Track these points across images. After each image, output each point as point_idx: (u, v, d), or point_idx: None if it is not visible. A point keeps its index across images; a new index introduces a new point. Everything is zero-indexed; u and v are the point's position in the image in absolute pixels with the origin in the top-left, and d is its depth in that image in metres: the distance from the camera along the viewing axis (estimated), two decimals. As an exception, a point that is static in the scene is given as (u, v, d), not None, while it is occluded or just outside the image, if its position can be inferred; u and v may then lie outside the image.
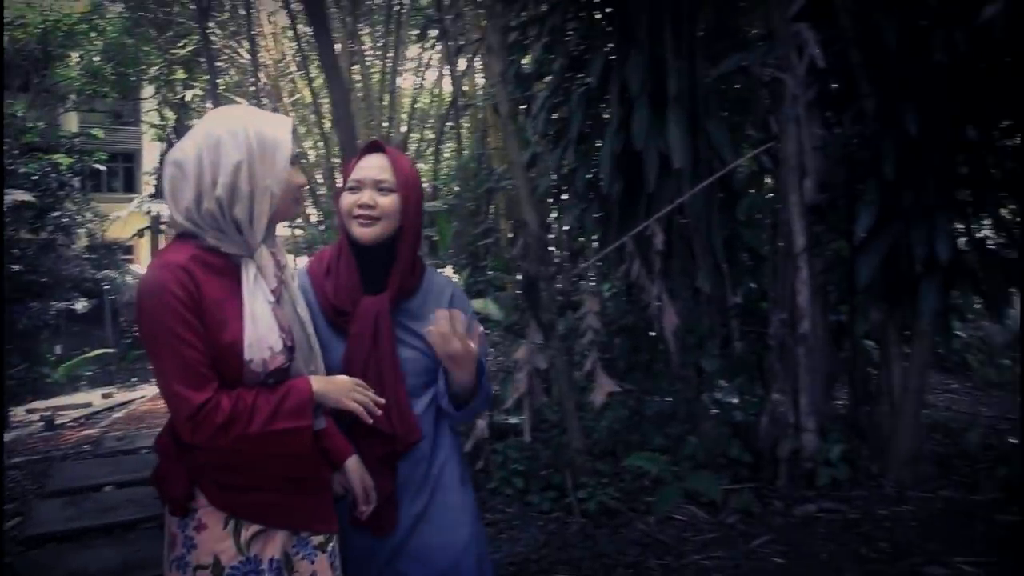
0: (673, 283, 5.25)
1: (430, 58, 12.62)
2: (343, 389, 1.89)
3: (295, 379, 1.83)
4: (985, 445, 5.41)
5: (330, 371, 1.97)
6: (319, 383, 1.85)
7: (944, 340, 5.16)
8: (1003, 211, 4.72)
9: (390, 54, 12.05)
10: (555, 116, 5.88)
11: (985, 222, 4.83)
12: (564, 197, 6.29)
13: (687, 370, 5.32)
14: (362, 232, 2.04)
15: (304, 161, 12.86)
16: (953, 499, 4.49)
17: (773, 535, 4.23)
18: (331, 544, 1.92)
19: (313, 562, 1.88)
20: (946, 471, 5.01)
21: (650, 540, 4.30)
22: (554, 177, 5.86)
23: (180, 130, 18.11)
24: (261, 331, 1.75)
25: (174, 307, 1.67)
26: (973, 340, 9.77)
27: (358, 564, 2.05)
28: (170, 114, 18.52)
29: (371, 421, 1.92)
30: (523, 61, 6.20)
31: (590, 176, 5.27)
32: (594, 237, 5.78)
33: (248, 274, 1.78)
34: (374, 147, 2.12)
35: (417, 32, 9.26)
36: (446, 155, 13.42)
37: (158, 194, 19.70)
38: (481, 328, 2.11)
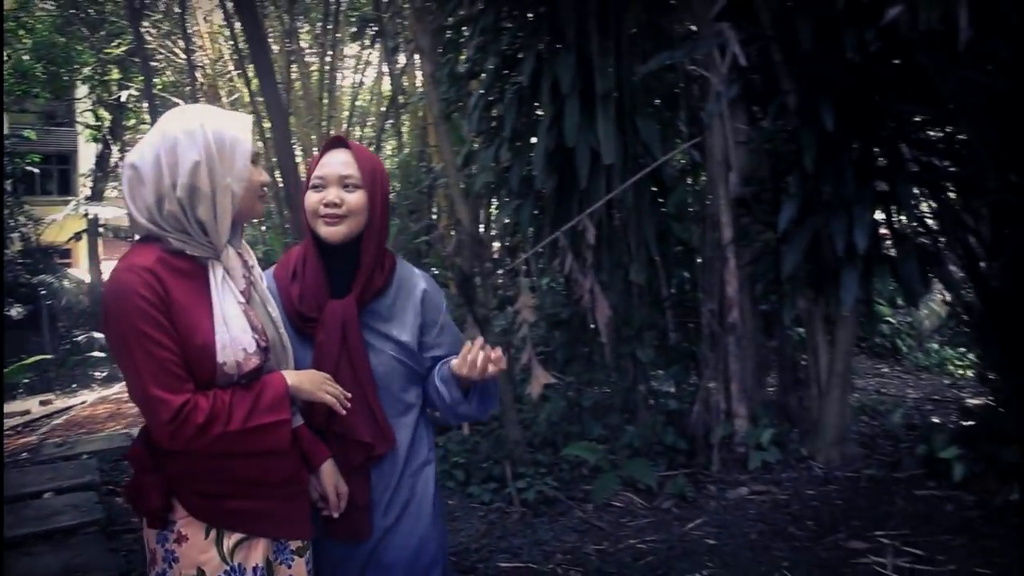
0: (608, 276, 5.37)
1: (369, 55, 12.60)
2: (315, 382, 1.89)
3: (269, 374, 1.82)
4: (909, 425, 5.64)
5: None
6: (292, 377, 1.84)
7: (868, 326, 5.37)
8: (923, 202, 4.92)
9: (329, 52, 12.00)
10: (493, 113, 5.96)
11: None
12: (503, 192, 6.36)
13: (624, 361, 5.45)
14: (329, 231, 1.97)
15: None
16: (876, 477, 4.67)
17: (706, 518, 4.38)
18: (308, 551, 1.94)
19: (290, 567, 1.89)
20: (872, 451, 5.22)
21: (588, 526, 4.43)
22: (492, 171, 5.92)
23: (116, 131, 17.80)
24: (233, 333, 1.74)
25: (143, 309, 1.64)
26: (903, 326, 10.11)
27: (332, 572, 2.04)
28: (106, 114, 18.17)
29: (344, 413, 1.91)
30: (460, 58, 6.26)
31: (525, 173, 5.35)
32: (531, 232, 5.86)
33: (216, 276, 1.77)
34: (337, 142, 2.05)
35: (354, 31, 9.26)
36: (388, 152, 13.44)
37: (95, 196, 19.33)
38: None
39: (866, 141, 4.51)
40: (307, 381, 1.87)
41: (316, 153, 2.08)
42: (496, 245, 7.77)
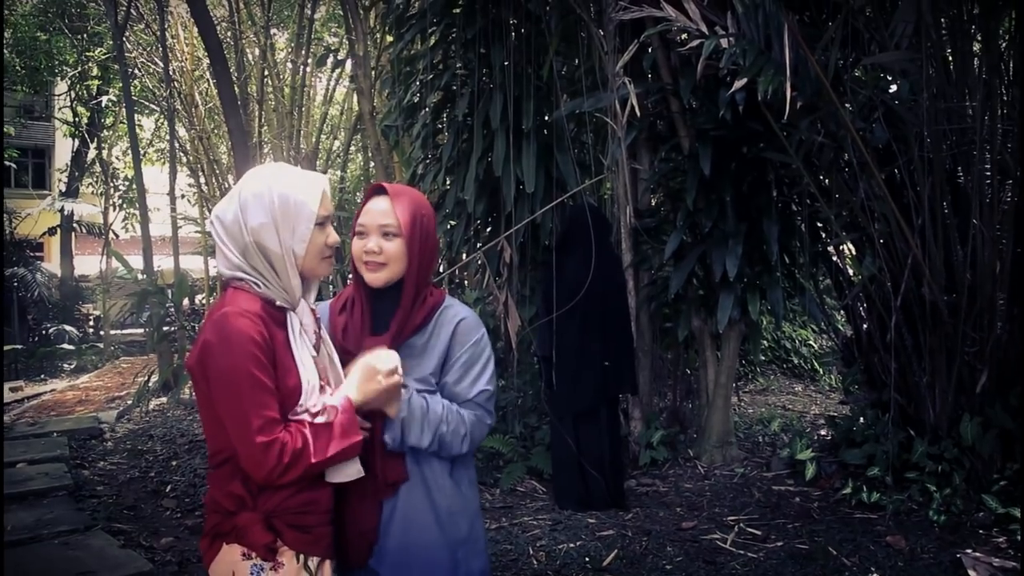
0: (531, 291, 6.05)
1: (341, 73, 13.21)
2: (374, 386, 1.91)
3: (337, 398, 1.88)
4: (796, 433, 6.36)
5: None
6: (356, 393, 1.89)
7: (754, 347, 6.09)
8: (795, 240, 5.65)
9: (302, 66, 12.57)
10: (438, 140, 6.66)
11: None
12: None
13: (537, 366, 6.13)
14: (372, 277, 2.04)
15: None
16: (747, 475, 5.41)
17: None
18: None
19: None
20: (752, 454, 5.96)
21: (492, 507, 5.10)
22: (433, 193, 6.60)
23: (93, 129, 18.24)
24: (311, 381, 1.84)
25: (256, 356, 1.74)
26: (822, 350, 10.88)
27: None
28: (84, 111, 18.57)
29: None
30: (410, 91, 6.94)
31: (459, 197, 6.01)
32: (464, 250, 6.54)
33: (294, 328, 1.87)
34: (378, 190, 2.10)
35: (320, 56, 9.89)
36: (359, 164, 14.04)
37: (70, 192, 19.74)
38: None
39: (740, 184, 5.24)
40: (367, 390, 1.90)
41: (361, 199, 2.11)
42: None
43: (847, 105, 4.41)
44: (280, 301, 1.85)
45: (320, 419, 1.82)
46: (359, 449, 1.88)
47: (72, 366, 15.05)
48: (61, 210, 18.67)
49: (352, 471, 1.90)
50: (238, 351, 1.73)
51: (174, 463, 6.53)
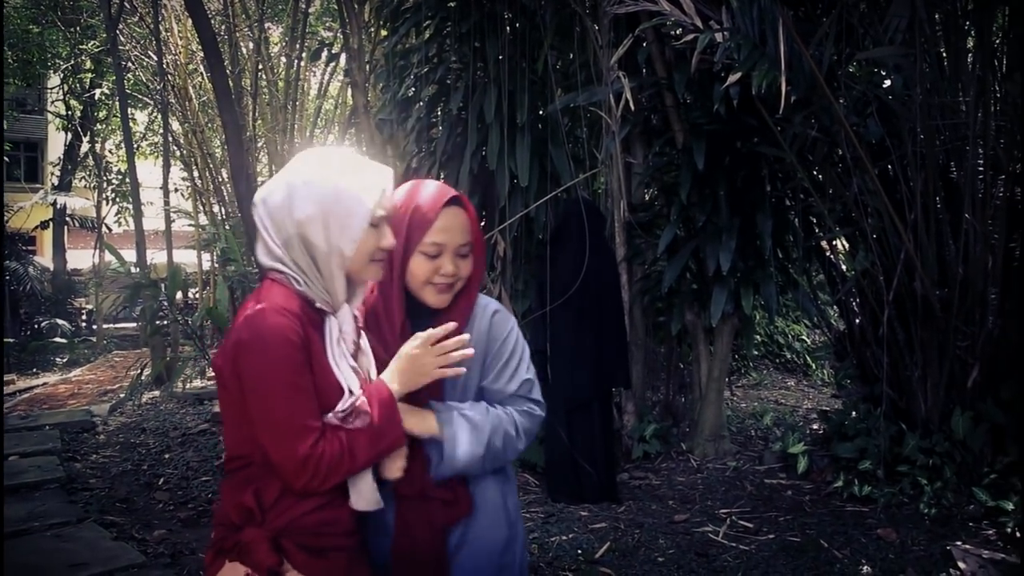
0: (524, 285, 6.06)
1: (335, 67, 13.20)
2: (419, 370, 1.77)
3: (372, 388, 1.73)
4: (788, 427, 6.38)
5: None
6: (396, 382, 1.75)
7: (747, 341, 6.12)
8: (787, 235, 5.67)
9: (295, 60, 12.56)
10: (433, 133, 6.66)
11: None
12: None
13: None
14: (441, 299, 1.85)
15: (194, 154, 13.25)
16: (740, 468, 5.43)
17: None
18: None
19: None
20: (745, 448, 5.98)
21: (484, 500, 5.10)
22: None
23: (87, 123, 18.20)
24: (347, 392, 1.68)
25: (294, 357, 1.59)
26: (815, 345, 10.91)
27: None
28: (77, 104, 18.52)
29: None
30: (404, 84, 6.94)
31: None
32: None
33: (332, 334, 1.70)
34: (453, 201, 1.84)
35: (315, 50, 9.89)
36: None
37: (62, 186, 19.70)
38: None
39: (734, 179, 5.25)
40: (411, 377, 1.77)
41: (418, 206, 1.82)
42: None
43: (841, 100, 4.42)
44: (320, 303, 1.68)
45: (361, 415, 1.67)
46: (402, 441, 1.73)
47: (64, 360, 15.03)
48: (54, 204, 18.66)
49: (372, 499, 1.72)
50: (276, 352, 1.58)
51: (167, 456, 6.53)
